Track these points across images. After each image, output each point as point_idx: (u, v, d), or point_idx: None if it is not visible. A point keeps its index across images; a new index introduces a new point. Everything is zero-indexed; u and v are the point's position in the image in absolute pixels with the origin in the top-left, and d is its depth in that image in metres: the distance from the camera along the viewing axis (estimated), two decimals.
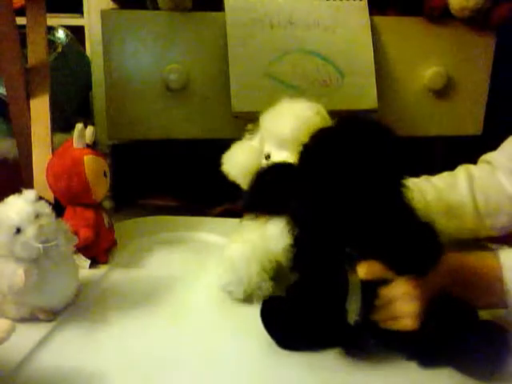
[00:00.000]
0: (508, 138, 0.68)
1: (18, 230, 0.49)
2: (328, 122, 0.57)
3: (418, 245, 0.44)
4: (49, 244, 0.50)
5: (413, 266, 0.44)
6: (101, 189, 0.67)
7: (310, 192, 0.45)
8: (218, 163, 0.64)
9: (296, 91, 0.91)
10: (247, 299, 0.58)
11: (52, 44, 1.08)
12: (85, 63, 1.14)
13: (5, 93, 0.83)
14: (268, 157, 0.59)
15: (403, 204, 0.45)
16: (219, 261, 0.60)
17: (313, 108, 0.59)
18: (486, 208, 0.65)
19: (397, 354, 0.49)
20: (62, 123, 1.09)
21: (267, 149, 0.60)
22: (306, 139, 0.49)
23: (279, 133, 0.58)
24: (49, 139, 0.78)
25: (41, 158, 0.76)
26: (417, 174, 0.66)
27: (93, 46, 1.01)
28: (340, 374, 0.47)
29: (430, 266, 0.44)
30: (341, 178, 0.43)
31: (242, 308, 0.57)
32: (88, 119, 1.11)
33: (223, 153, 0.64)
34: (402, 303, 0.46)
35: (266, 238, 0.57)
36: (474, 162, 0.71)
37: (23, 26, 0.79)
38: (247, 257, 0.57)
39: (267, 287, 0.57)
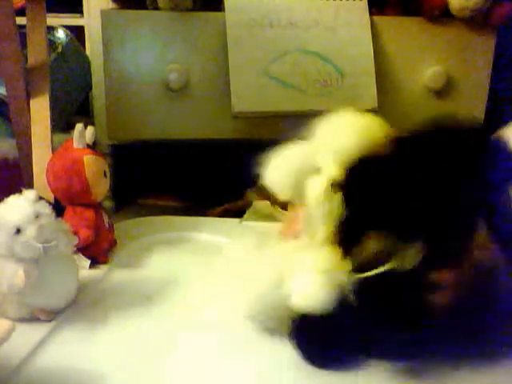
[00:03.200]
0: None
1: (18, 230, 0.49)
2: (387, 133, 0.52)
3: None
4: (49, 244, 0.50)
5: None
6: (101, 189, 0.67)
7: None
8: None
9: (296, 91, 0.91)
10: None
11: (52, 44, 1.08)
12: (85, 63, 1.14)
13: (5, 93, 0.83)
14: (319, 171, 0.52)
15: None
16: (244, 287, 0.54)
17: (373, 119, 0.54)
18: None
19: None
20: (61, 123, 1.10)
21: (320, 162, 0.53)
22: (365, 152, 0.47)
23: (340, 145, 0.52)
24: (49, 139, 0.78)
25: (41, 158, 0.76)
26: None
27: (93, 46, 1.01)
28: None
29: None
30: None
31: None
32: (88, 119, 1.11)
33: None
34: None
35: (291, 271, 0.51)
36: None
37: (23, 26, 0.79)
38: (274, 283, 0.51)
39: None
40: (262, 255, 0.56)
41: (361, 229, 0.46)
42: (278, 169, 0.55)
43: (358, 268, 0.44)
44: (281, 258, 0.53)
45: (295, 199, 0.56)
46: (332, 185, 0.50)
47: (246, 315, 0.53)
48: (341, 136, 0.52)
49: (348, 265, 0.46)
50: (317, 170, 0.53)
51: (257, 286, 0.53)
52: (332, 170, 0.51)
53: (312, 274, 0.48)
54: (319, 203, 0.50)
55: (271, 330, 0.53)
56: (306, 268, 0.49)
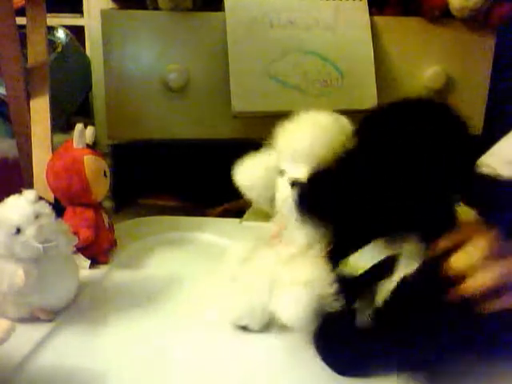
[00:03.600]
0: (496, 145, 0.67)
1: (18, 230, 0.49)
2: (348, 132, 0.52)
3: None
4: (49, 244, 0.50)
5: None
6: (101, 189, 0.67)
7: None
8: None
9: (296, 91, 0.91)
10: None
11: (52, 44, 1.08)
12: (85, 63, 1.14)
13: (5, 93, 0.83)
14: (283, 173, 0.54)
15: None
16: (232, 291, 0.55)
17: (332, 118, 0.54)
18: None
19: None
20: (61, 123, 1.10)
21: (283, 165, 0.55)
22: (324, 152, 0.47)
23: (296, 146, 0.53)
24: (49, 139, 0.78)
25: (41, 158, 0.76)
26: None
27: (93, 46, 1.01)
28: None
29: None
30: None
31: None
32: (88, 119, 1.11)
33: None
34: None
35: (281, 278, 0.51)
36: None
37: (23, 26, 0.79)
38: (259, 285, 0.52)
39: None
40: (255, 260, 0.56)
41: (349, 241, 0.45)
42: (246, 171, 0.57)
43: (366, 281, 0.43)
44: (270, 266, 0.53)
45: (266, 202, 0.57)
46: (292, 184, 0.51)
47: (231, 319, 0.53)
48: (297, 138, 0.53)
49: (333, 276, 0.46)
50: (280, 172, 0.54)
51: (245, 292, 0.53)
52: (293, 170, 0.52)
53: (298, 288, 0.48)
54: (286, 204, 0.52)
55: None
56: (292, 281, 0.49)
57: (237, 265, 0.57)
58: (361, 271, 0.43)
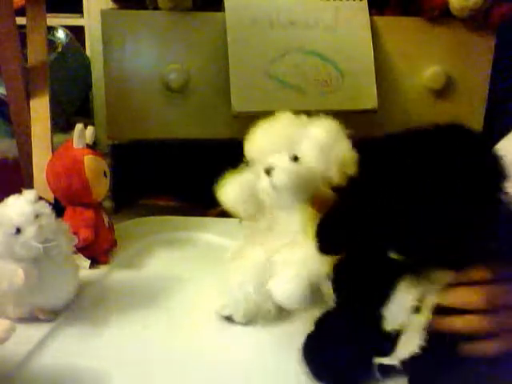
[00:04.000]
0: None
1: (18, 230, 0.49)
2: (303, 120, 0.55)
3: None
4: (49, 244, 0.50)
5: None
6: (101, 189, 0.67)
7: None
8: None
9: (296, 91, 0.91)
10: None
11: (52, 44, 1.08)
12: (85, 63, 1.14)
13: (5, 93, 0.83)
14: (268, 171, 0.53)
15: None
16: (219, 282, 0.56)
17: (291, 115, 0.57)
18: None
19: None
20: (61, 123, 1.10)
21: (262, 166, 0.54)
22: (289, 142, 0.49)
23: (259, 143, 0.55)
24: (49, 139, 0.78)
25: (41, 158, 0.76)
26: None
27: (93, 46, 1.01)
28: None
29: None
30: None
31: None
32: (88, 119, 1.11)
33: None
34: None
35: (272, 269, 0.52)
36: None
37: (23, 26, 0.79)
38: (245, 276, 0.54)
39: (268, 308, 0.53)
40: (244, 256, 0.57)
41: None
42: (229, 192, 0.57)
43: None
44: (258, 259, 0.54)
45: (254, 214, 0.58)
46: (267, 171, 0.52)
47: (217, 309, 0.55)
48: (258, 136, 0.55)
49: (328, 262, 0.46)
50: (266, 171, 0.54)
51: (234, 281, 0.54)
52: (274, 159, 0.53)
53: (293, 270, 0.49)
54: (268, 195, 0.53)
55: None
56: (285, 261, 0.50)
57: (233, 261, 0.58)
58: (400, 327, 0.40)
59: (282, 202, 0.53)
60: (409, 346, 0.39)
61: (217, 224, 0.84)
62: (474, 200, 0.35)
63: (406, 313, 0.39)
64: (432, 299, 0.39)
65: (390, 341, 0.40)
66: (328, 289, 0.47)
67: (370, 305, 0.40)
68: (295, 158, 0.53)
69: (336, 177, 0.52)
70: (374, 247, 0.41)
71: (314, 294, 0.48)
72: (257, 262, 0.54)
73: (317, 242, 0.44)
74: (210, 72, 0.93)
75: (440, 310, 0.39)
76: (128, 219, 0.86)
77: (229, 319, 0.55)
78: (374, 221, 0.38)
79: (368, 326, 0.41)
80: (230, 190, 0.57)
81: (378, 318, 0.40)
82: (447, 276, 0.39)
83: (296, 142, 0.54)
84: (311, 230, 0.47)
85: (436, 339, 0.38)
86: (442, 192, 0.35)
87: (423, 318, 0.39)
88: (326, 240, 0.44)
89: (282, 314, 0.54)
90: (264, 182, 0.53)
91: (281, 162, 0.53)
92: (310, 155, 0.53)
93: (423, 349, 0.38)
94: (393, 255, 0.39)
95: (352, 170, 0.48)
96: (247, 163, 0.57)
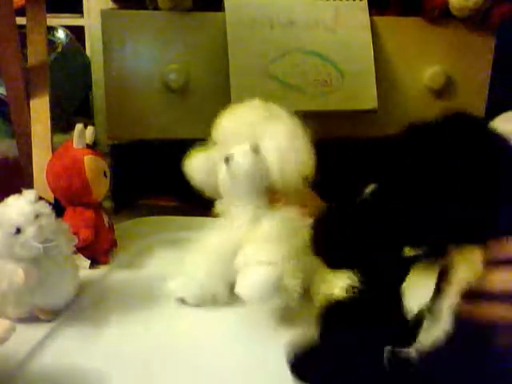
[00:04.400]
0: None
1: (18, 230, 0.49)
2: (271, 108, 0.59)
3: None
4: (49, 244, 0.50)
5: None
6: (101, 189, 0.67)
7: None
8: None
9: (296, 91, 0.91)
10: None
11: (52, 44, 1.08)
12: (85, 63, 1.14)
13: (5, 93, 0.83)
14: (227, 160, 0.56)
15: None
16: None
17: (260, 103, 0.61)
18: None
19: None
20: (62, 123, 1.09)
21: (226, 151, 0.58)
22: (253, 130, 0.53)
23: (224, 126, 0.59)
24: (49, 139, 0.78)
25: (41, 158, 0.76)
26: None
27: (93, 46, 1.00)
28: None
29: None
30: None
31: (243, 308, 0.57)
32: (88, 119, 1.11)
33: None
34: None
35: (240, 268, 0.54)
36: None
37: (23, 26, 0.79)
38: (199, 262, 0.57)
39: (223, 292, 0.56)
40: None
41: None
42: (192, 165, 0.63)
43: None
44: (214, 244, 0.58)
45: (211, 190, 0.62)
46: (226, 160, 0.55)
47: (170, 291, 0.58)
48: (224, 120, 0.60)
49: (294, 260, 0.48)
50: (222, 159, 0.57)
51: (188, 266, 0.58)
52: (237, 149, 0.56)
53: (259, 266, 0.51)
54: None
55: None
56: (253, 260, 0.52)
57: None
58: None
59: (237, 190, 0.57)
60: (433, 332, 0.35)
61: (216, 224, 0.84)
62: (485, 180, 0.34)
63: (426, 297, 0.36)
64: (461, 282, 0.34)
65: (405, 330, 0.37)
66: (292, 285, 0.49)
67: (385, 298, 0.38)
68: (255, 150, 0.56)
69: (292, 178, 0.54)
70: (383, 247, 0.38)
71: (277, 290, 0.50)
72: (213, 249, 0.57)
73: (323, 255, 0.41)
74: (210, 72, 0.93)
75: (471, 295, 0.34)
76: (128, 219, 0.86)
77: (182, 301, 0.58)
78: (386, 220, 0.37)
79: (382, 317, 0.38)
80: (195, 163, 0.62)
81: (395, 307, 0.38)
82: (477, 254, 0.35)
83: (259, 134, 0.57)
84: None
85: (466, 328, 0.34)
86: (449, 176, 0.34)
87: (449, 303, 0.34)
88: (331, 252, 0.41)
89: (233, 298, 0.55)
90: (222, 169, 0.57)
91: (241, 152, 0.56)
92: (270, 154, 0.55)
93: (449, 338, 0.33)
94: (408, 251, 0.37)
95: (310, 173, 0.52)
96: (213, 143, 0.61)
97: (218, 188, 0.60)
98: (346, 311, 0.41)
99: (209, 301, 0.57)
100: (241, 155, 0.55)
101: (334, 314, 0.42)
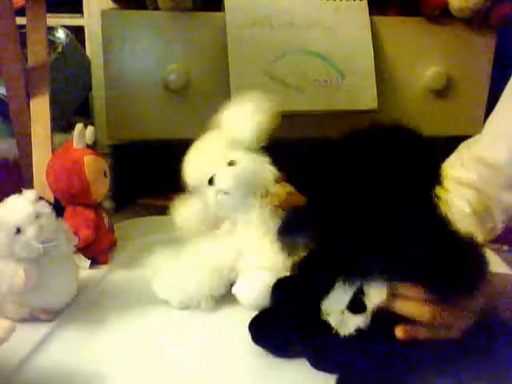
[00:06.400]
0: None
1: (18, 230, 0.49)
2: (273, 118, 0.61)
3: (465, 264, 0.38)
4: (49, 244, 0.50)
5: (456, 289, 0.38)
6: (101, 189, 0.67)
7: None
8: None
9: (296, 91, 0.91)
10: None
11: (52, 44, 1.08)
12: (85, 63, 1.14)
13: (5, 93, 0.83)
14: (210, 181, 0.58)
15: (439, 216, 0.39)
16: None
17: (259, 107, 0.63)
18: None
19: None
20: (62, 123, 1.09)
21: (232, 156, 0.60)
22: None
23: (195, 171, 0.61)
24: (49, 139, 0.78)
25: (41, 158, 0.76)
26: None
27: (93, 46, 1.01)
28: None
29: (475, 289, 0.38)
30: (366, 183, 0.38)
31: (242, 307, 0.57)
32: (88, 119, 1.11)
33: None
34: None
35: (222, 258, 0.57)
36: None
37: (23, 26, 0.79)
38: (182, 267, 0.58)
39: (207, 302, 0.57)
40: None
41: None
42: (182, 215, 0.64)
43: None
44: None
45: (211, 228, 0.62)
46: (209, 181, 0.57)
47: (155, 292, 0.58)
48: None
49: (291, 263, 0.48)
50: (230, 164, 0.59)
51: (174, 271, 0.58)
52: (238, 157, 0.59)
53: (258, 272, 0.53)
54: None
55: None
56: (253, 266, 0.55)
57: None
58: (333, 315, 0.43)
59: (233, 203, 0.58)
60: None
61: None
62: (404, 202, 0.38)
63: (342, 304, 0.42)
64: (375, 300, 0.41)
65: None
66: None
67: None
68: (231, 163, 0.58)
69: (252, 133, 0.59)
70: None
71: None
72: (206, 258, 0.58)
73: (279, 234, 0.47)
74: (210, 72, 0.93)
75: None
76: (128, 219, 0.86)
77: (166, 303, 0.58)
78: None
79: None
80: (184, 218, 0.64)
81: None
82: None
83: (226, 153, 0.59)
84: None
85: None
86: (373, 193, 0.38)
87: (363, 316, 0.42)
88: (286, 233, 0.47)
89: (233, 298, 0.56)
90: (210, 192, 0.58)
91: (220, 170, 0.58)
92: (239, 128, 0.60)
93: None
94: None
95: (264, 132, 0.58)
96: (191, 191, 0.62)
97: (214, 222, 0.61)
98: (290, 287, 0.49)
99: (193, 307, 0.57)
100: (220, 170, 0.58)
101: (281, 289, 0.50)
